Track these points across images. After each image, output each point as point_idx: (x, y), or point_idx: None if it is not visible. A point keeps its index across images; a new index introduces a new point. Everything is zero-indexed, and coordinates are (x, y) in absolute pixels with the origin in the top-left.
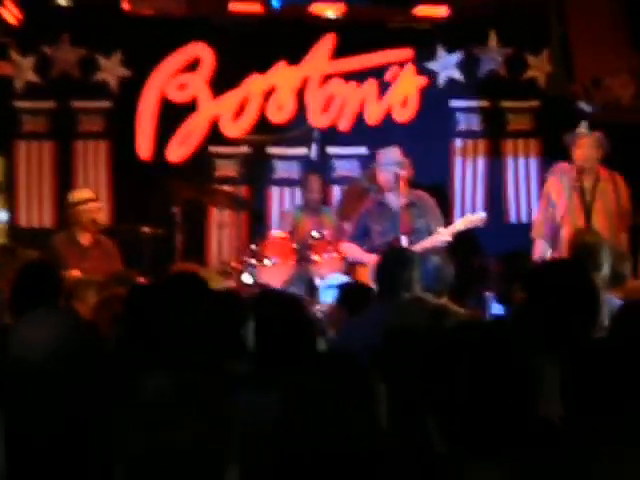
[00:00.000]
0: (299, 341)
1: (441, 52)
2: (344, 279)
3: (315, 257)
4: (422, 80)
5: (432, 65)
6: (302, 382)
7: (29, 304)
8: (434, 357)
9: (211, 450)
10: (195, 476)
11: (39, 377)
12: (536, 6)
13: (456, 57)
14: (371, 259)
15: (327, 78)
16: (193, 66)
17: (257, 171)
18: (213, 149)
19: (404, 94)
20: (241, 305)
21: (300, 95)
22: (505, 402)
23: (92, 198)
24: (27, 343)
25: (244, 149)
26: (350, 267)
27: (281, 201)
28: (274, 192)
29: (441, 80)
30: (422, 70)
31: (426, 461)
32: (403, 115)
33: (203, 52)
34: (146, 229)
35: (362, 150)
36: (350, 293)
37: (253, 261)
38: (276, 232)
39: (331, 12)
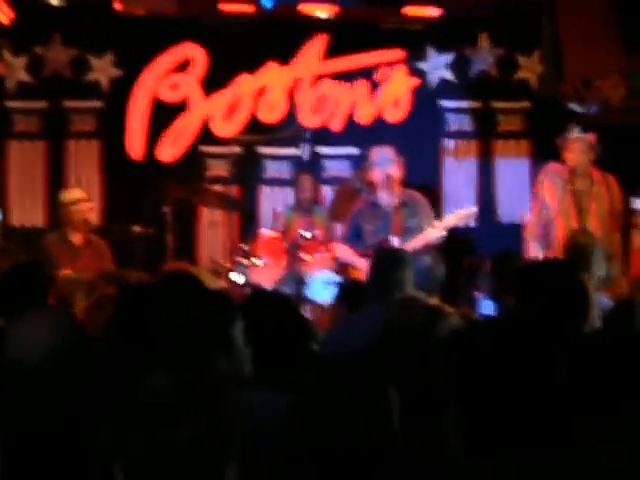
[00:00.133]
0: (295, 341)
1: (432, 53)
2: (333, 276)
3: (306, 257)
4: (413, 81)
5: (423, 66)
6: (316, 384)
7: (16, 305)
8: (460, 355)
9: (211, 450)
10: (194, 476)
11: (36, 378)
12: (527, 7)
13: (447, 58)
14: (361, 263)
15: (318, 78)
16: (184, 66)
17: (248, 171)
18: (204, 149)
19: (395, 94)
20: (230, 304)
21: (291, 95)
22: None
23: (83, 198)
24: (24, 344)
25: (235, 149)
26: (342, 267)
27: (272, 201)
28: (265, 192)
29: (432, 81)
30: (413, 71)
31: (438, 463)
32: (394, 115)
33: (194, 52)
34: (137, 229)
35: (353, 150)
36: (349, 290)
37: (244, 261)
38: (267, 232)
39: (322, 12)
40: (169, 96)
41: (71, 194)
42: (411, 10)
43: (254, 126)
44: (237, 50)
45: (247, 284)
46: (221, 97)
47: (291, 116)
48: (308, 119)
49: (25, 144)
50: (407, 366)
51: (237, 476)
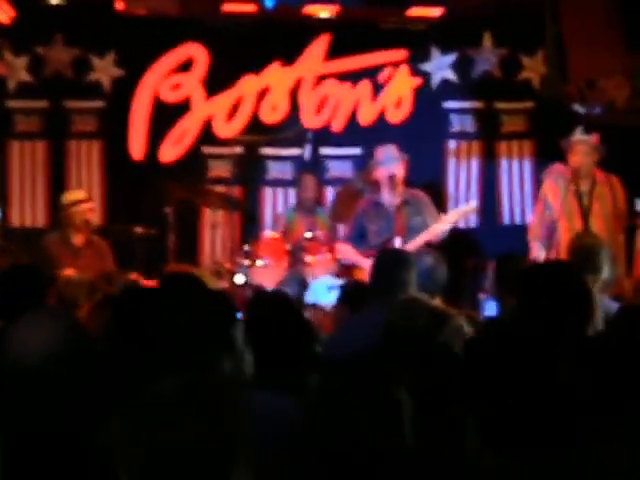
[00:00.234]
0: (296, 342)
1: (435, 53)
2: (335, 280)
3: (308, 258)
4: (416, 81)
5: (426, 66)
6: (326, 386)
7: (15, 306)
8: (480, 358)
9: (215, 451)
10: (199, 477)
11: (37, 379)
12: (531, 7)
13: (450, 58)
14: (366, 263)
15: (321, 79)
16: (186, 66)
17: (250, 172)
18: (206, 149)
19: (398, 95)
20: (231, 305)
21: (294, 96)
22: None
23: (84, 199)
24: (25, 345)
25: (237, 149)
26: (348, 268)
27: (274, 202)
28: (267, 193)
29: (435, 81)
30: (416, 71)
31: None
32: (397, 116)
33: (197, 52)
34: (139, 229)
35: (356, 151)
36: (352, 292)
37: (246, 262)
38: (269, 233)
39: (325, 13)
40: (171, 96)
41: (72, 195)
42: (414, 10)
43: (256, 127)
44: (239, 50)
45: (249, 285)
46: (223, 97)
47: (293, 117)
48: (310, 120)
49: (26, 144)
50: (409, 367)
51: (243, 477)
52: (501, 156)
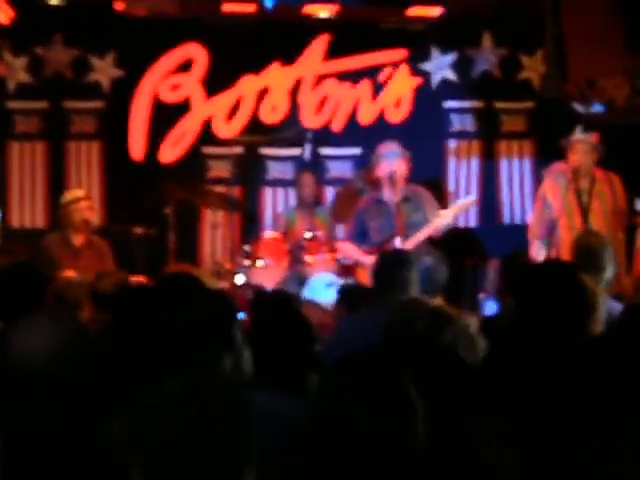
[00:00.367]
0: (296, 342)
1: (435, 53)
2: (334, 278)
3: (308, 258)
4: (416, 81)
5: (426, 66)
6: (332, 386)
7: (13, 306)
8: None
9: (218, 451)
10: (202, 478)
11: (38, 380)
12: (530, 6)
13: (450, 58)
14: (367, 260)
15: (321, 79)
16: (186, 66)
17: (250, 172)
18: (206, 150)
19: (398, 95)
20: (231, 304)
21: (293, 96)
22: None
23: (83, 197)
24: (26, 346)
25: (237, 150)
26: (348, 268)
27: (274, 202)
28: (267, 193)
29: (435, 81)
30: (416, 71)
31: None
32: (397, 116)
33: (196, 52)
34: (139, 230)
35: (356, 151)
36: (350, 293)
37: (246, 262)
38: (269, 233)
39: (325, 13)
40: (170, 97)
41: (70, 194)
42: (414, 10)
43: (256, 127)
44: (239, 50)
45: (249, 285)
46: (223, 98)
47: (293, 117)
48: (310, 119)
49: (26, 145)
50: (409, 368)
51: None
52: (501, 156)
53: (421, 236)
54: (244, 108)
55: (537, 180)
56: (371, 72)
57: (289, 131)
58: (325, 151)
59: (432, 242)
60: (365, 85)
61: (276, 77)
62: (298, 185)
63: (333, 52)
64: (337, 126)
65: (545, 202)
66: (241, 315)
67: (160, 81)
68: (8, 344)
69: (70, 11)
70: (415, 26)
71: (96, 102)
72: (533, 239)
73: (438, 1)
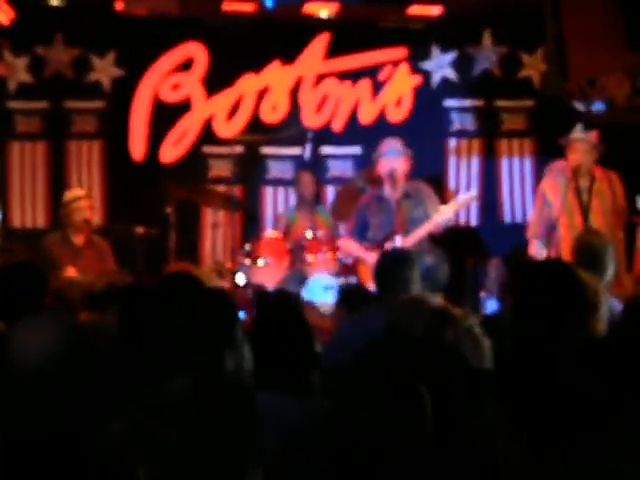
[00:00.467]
0: (297, 342)
1: (435, 51)
2: (332, 279)
3: (309, 257)
4: (416, 79)
5: (426, 64)
6: (349, 388)
7: (13, 306)
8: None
9: (221, 452)
10: (205, 478)
11: (38, 381)
12: (531, 5)
13: (450, 56)
14: (369, 257)
15: (321, 78)
16: (186, 66)
17: (251, 171)
18: (207, 149)
19: (398, 94)
20: (232, 303)
21: (294, 95)
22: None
23: (83, 196)
24: (26, 347)
25: (238, 149)
26: (348, 267)
27: (275, 201)
28: (268, 192)
29: (435, 79)
30: (416, 69)
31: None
32: (397, 115)
33: (197, 52)
34: (140, 229)
35: (356, 150)
36: (349, 294)
37: (247, 261)
38: (270, 232)
39: (325, 12)
40: (171, 96)
41: (71, 193)
42: (414, 9)
43: (256, 126)
44: (239, 50)
45: (250, 285)
46: (223, 97)
47: (293, 116)
48: (310, 119)
49: (26, 145)
50: (409, 368)
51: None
52: (502, 154)
53: (422, 232)
54: (244, 107)
55: (538, 178)
56: (371, 71)
57: (289, 130)
58: (325, 150)
59: (433, 241)
60: (365, 84)
61: (276, 76)
62: (297, 184)
63: (333, 51)
64: (337, 125)
65: (545, 200)
66: (241, 314)
67: (160, 81)
68: (7, 345)
69: (70, 11)
70: (415, 25)
71: (97, 102)
72: (532, 238)
73: (438, 0)
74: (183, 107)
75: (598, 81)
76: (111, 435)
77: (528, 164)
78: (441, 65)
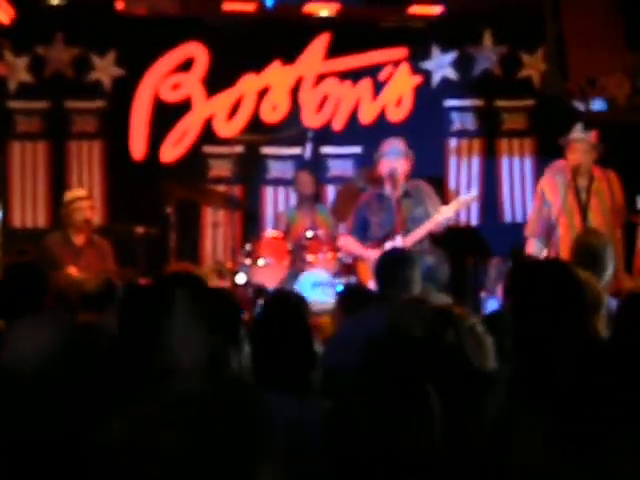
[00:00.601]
0: (300, 342)
1: (435, 51)
2: (324, 277)
3: (309, 257)
4: (416, 79)
5: (426, 64)
6: (355, 389)
7: (15, 306)
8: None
9: (241, 451)
10: (225, 478)
11: (35, 381)
12: (531, 5)
13: (450, 56)
14: (369, 254)
15: (321, 78)
16: (187, 66)
17: (251, 171)
18: (207, 149)
19: (398, 93)
20: (234, 302)
21: (294, 95)
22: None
23: (84, 196)
24: (23, 348)
25: (238, 149)
26: (349, 267)
27: (275, 201)
28: (268, 192)
29: (435, 79)
30: (416, 69)
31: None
32: (397, 114)
33: (197, 51)
34: (140, 229)
35: (356, 150)
36: (350, 294)
37: (247, 261)
38: (270, 232)
39: (325, 11)
40: (171, 96)
41: (71, 194)
42: (414, 9)
43: (257, 126)
44: (240, 49)
45: (250, 284)
46: (224, 97)
47: (294, 116)
48: (311, 118)
49: (27, 144)
50: (411, 367)
51: (270, 477)
52: (502, 154)
53: (422, 231)
54: (245, 107)
55: (538, 178)
56: (372, 71)
57: (290, 130)
58: (326, 150)
59: (433, 241)
60: (366, 84)
61: (277, 76)
62: (296, 184)
63: (334, 51)
64: (338, 125)
65: (544, 199)
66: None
67: (161, 80)
68: (4, 345)
69: (71, 10)
70: (415, 25)
71: (97, 101)
72: (530, 237)
73: (438, 0)
74: (183, 107)
75: (598, 81)
76: (111, 435)
77: (528, 164)
78: (441, 65)
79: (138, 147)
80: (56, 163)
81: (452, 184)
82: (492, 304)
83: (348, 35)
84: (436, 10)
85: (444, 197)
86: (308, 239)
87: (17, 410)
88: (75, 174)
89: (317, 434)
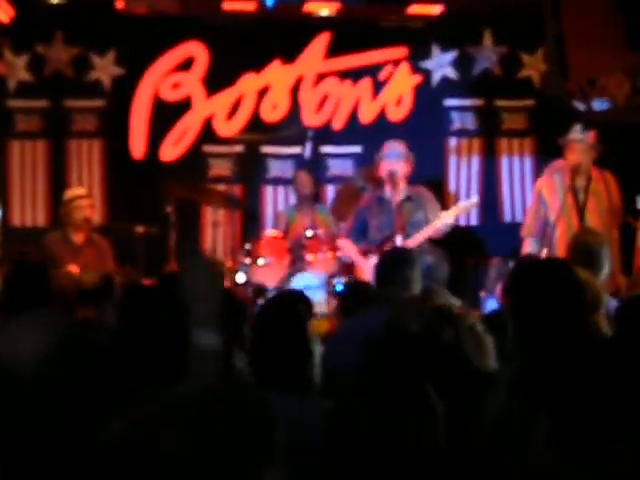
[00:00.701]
0: (299, 342)
1: (435, 51)
2: (314, 280)
3: (309, 256)
4: (416, 79)
5: (426, 64)
6: (356, 389)
7: (21, 305)
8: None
9: (243, 453)
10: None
11: (33, 383)
12: (531, 5)
13: (450, 56)
14: (364, 263)
15: (321, 77)
16: (187, 65)
17: (251, 170)
18: (207, 148)
19: (398, 93)
20: (238, 302)
21: (294, 94)
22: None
23: (83, 195)
24: (19, 347)
25: (238, 148)
26: (349, 266)
27: (275, 200)
28: (268, 191)
29: (435, 79)
30: (416, 69)
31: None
32: (397, 114)
33: (197, 51)
34: (140, 228)
35: (356, 149)
36: (349, 294)
37: (247, 260)
38: (270, 231)
39: (325, 11)
40: (171, 95)
41: (71, 192)
42: (414, 8)
43: (257, 125)
44: (240, 49)
45: (250, 284)
46: (224, 96)
47: (294, 115)
48: (311, 118)
49: (26, 143)
50: (410, 366)
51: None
52: (502, 153)
53: (421, 237)
54: (245, 106)
55: (538, 178)
56: (372, 70)
57: (290, 129)
58: (326, 149)
59: (433, 240)
60: (366, 83)
61: (277, 75)
62: (295, 183)
63: (334, 50)
64: (338, 124)
65: (541, 199)
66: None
67: (161, 79)
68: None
69: (70, 9)
70: (416, 24)
71: (97, 100)
72: (527, 236)
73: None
74: (183, 106)
75: (598, 81)
76: (111, 436)
77: (528, 163)
78: (441, 64)
79: (138, 146)
80: (56, 162)
81: (452, 184)
82: (491, 304)
83: (348, 34)
84: (436, 10)
85: (444, 198)
86: (308, 238)
87: (17, 410)
88: (75, 173)
89: (317, 434)
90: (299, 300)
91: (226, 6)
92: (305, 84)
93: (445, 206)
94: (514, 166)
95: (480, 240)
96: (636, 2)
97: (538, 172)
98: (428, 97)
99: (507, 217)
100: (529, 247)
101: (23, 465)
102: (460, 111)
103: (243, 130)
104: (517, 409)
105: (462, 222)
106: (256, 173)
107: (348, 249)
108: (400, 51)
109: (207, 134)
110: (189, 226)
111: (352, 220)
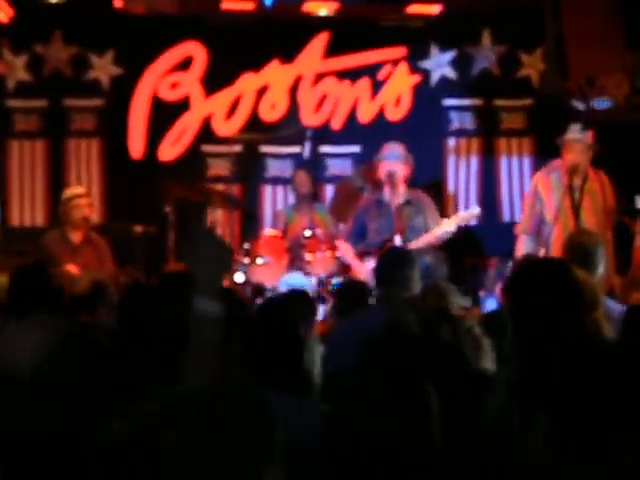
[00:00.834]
0: (301, 342)
1: (434, 50)
2: (300, 281)
3: (308, 256)
4: (415, 78)
5: (425, 63)
6: (356, 389)
7: (21, 307)
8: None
9: (243, 452)
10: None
11: (31, 384)
12: (531, 5)
13: (449, 55)
14: (360, 268)
15: (320, 77)
16: (185, 64)
17: (250, 170)
18: (205, 148)
19: (397, 92)
20: (238, 301)
21: (293, 94)
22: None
23: (81, 194)
24: (16, 350)
25: (237, 148)
26: (347, 266)
27: (274, 200)
28: (267, 191)
29: (434, 78)
30: (415, 68)
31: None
32: (396, 114)
33: (195, 50)
34: (138, 228)
35: (355, 149)
36: (346, 292)
37: (246, 260)
38: (269, 231)
39: (324, 10)
40: (170, 95)
41: (69, 191)
42: (413, 8)
43: (255, 125)
44: (238, 48)
45: (248, 283)
46: (222, 96)
47: (292, 114)
48: (309, 117)
49: (25, 143)
50: (409, 366)
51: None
52: (500, 153)
53: (421, 243)
54: (243, 106)
55: None
56: (370, 70)
57: (289, 129)
58: (324, 149)
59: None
60: (364, 83)
61: (275, 75)
62: (294, 183)
63: (332, 50)
64: (336, 124)
65: (537, 197)
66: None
67: (159, 79)
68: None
69: (69, 9)
70: (414, 24)
71: (96, 100)
72: (522, 234)
73: None
74: (182, 106)
75: (598, 81)
76: (111, 435)
77: (527, 163)
78: (440, 64)
79: (137, 146)
80: (54, 162)
81: (450, 183)
82: (491, 303)
83: (347, 34)
84: (435, 9)
85: (442, 198)
86: (306, 238)
87: (17, 410)
88: (73, 173)
89: (317, 434)
90: (300, 300)
91: (225, 6)
92: (304, 84)
93: (444, 206)
94: (513, 166)
95: (479, 240)
96: (636, 2)
97: (537, 172)
98: (427, 97)
99: (506, 217)
100: (523, 245)
101: (23, 465)
102: (459, 111)
103: (242, 130)
104: (516, 409)
105: None
106: (255, 173)
107: (345, 252)
108: (399, 51)
109: (206, 134)
110: (199, 215)
111: (351, 223)
